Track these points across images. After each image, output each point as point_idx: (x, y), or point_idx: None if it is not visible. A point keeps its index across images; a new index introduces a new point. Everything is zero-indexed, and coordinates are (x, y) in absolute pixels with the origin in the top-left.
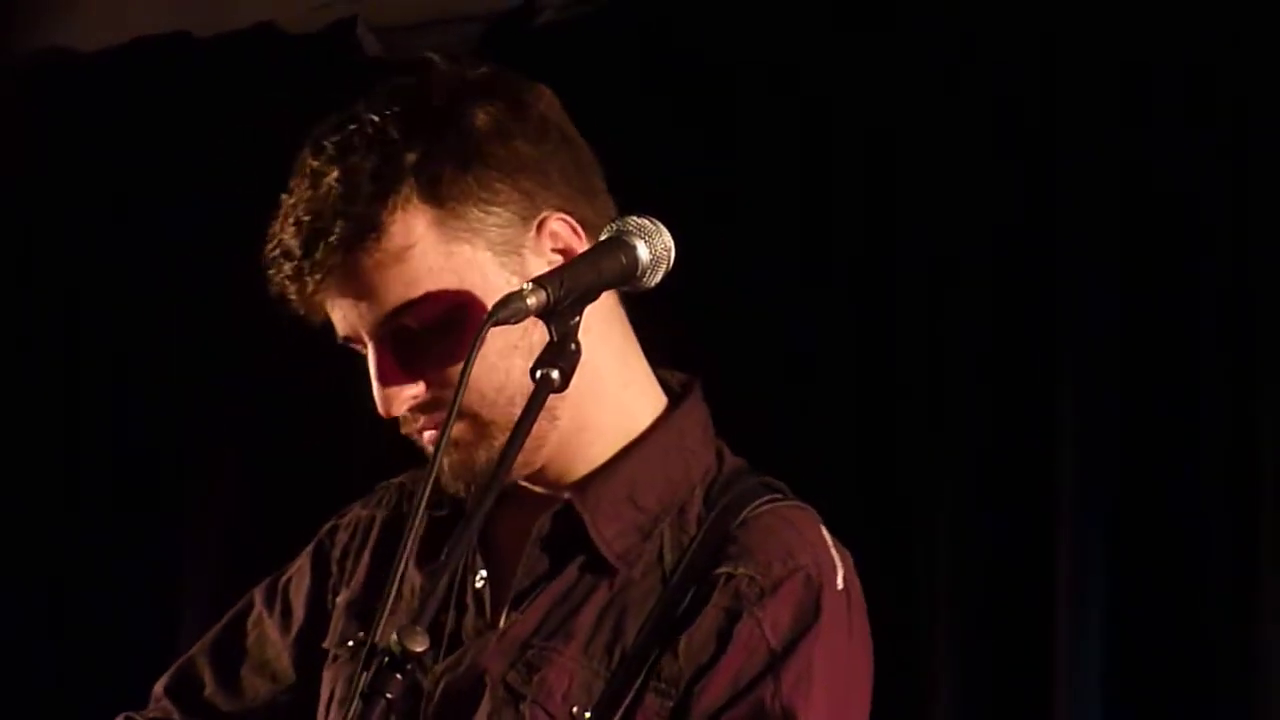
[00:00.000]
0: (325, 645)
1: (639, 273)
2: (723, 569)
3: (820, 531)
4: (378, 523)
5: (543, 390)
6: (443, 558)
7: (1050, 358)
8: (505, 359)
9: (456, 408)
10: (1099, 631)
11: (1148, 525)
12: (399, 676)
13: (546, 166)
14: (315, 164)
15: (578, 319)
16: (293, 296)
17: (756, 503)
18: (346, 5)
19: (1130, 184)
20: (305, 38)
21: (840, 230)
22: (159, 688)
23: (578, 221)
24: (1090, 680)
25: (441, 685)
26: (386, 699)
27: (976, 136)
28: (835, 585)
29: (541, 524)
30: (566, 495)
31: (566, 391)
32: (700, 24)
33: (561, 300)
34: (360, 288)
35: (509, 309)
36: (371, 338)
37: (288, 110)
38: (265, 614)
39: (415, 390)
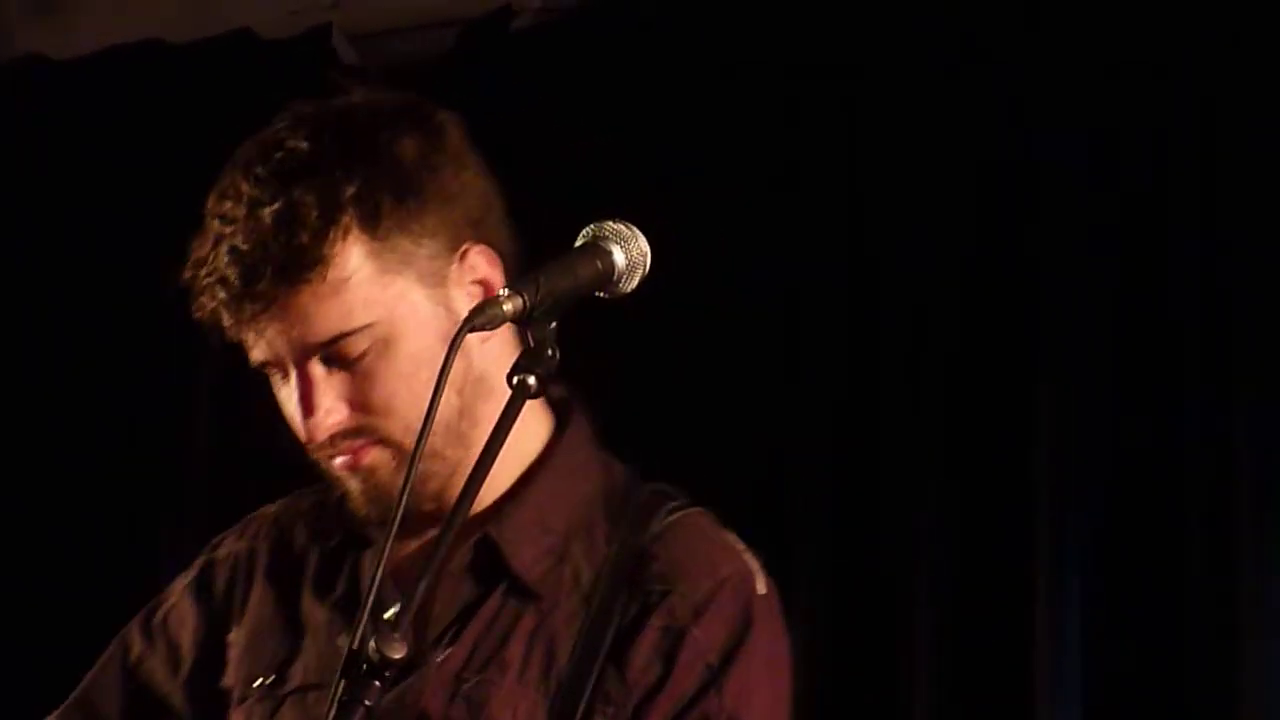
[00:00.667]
0: (225, 684)
1: (615, 278)
2: (652, 587)
3: (728, 536)
4: (261, 555)
5: (519, 396)
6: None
7: (1031, 360)
8: (429, 391)
9: (430, 427)
10: (1078, 634)
11: (1126, 529)
12: (377, 684)
13: (467, 197)
14: (252, 192)
15: (555, 324)
16: (225, 324)
17: (660, 514)
18: (322, 11)
19: (1112, 185)
20: (281, 43)
21: (825, 228)
22: None
23: (494, 251)
24: (1070, 683)
25: (370, 715)
26: (366, 706)
27: (965, 138)
28: (759, 590)
29: (461, 555)
30: (486, 527)
31: (476, 417)
32: (676, 27)
33: (538, 306)
34: (295, 317)
35: (485, 315)
36: (298, 365)
37: (264, 116)
38: (147, 653)
39: (340, 417)
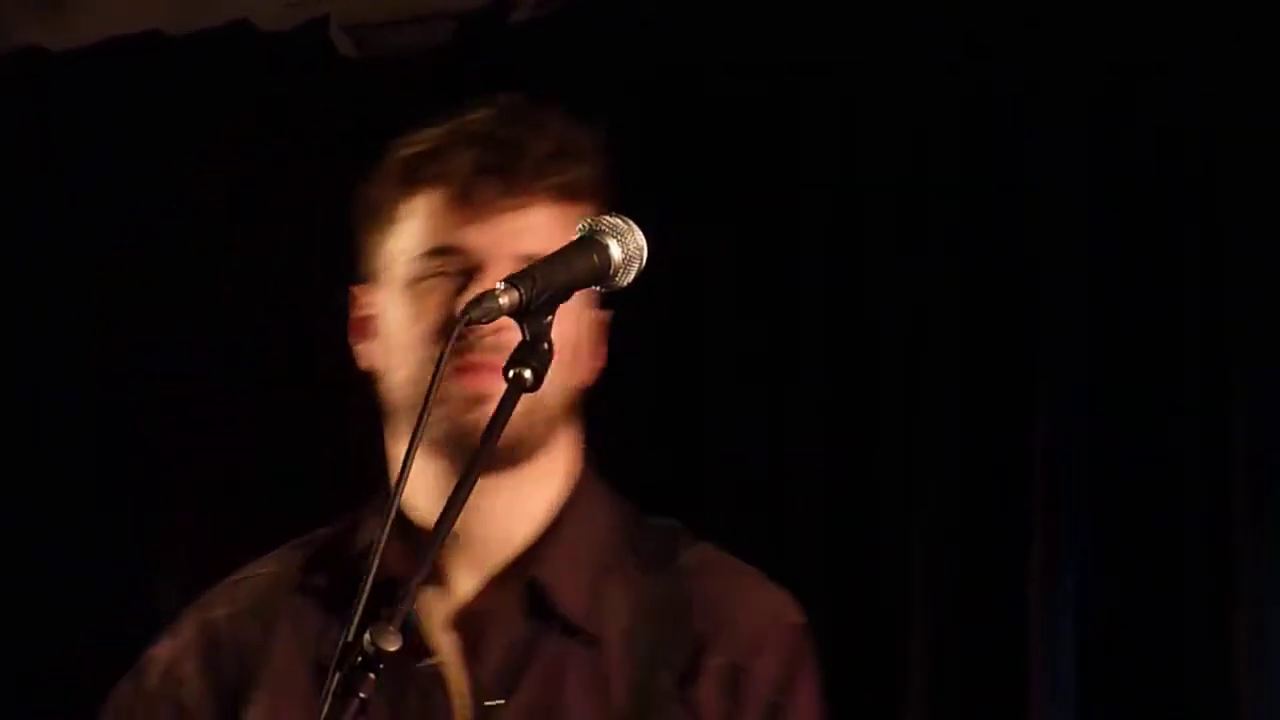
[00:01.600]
0: None
1: (611, 272)
2: (701, 625)
3: (750, 568)
4: (272, 614)
5: (515, 390)
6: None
7: (1029, 360)
8: (569, 360)
9: (428, 408)
10: (1073, 635)
11: (1123, 530)
12: (372, 676)
13: None
14: (533, 107)
15: (550, 318)
16: (456, 188)
17: (681, 549)
18: (319, 3)
19: (1104, 179)
20: (278, 36)
21: (815, 227)
22: None
23: None
24: (1065, 683)
25: None
26: (360, 699)
27: (964, 134)
28: (798, 619)
29: (510, 597)
30: (530, 569)
31: (545, 451)
32: (674, 22)
33: (535, 299)
34: (523, 217)
35: (481, 308)
36: (491, 266)
37: (262, 108)
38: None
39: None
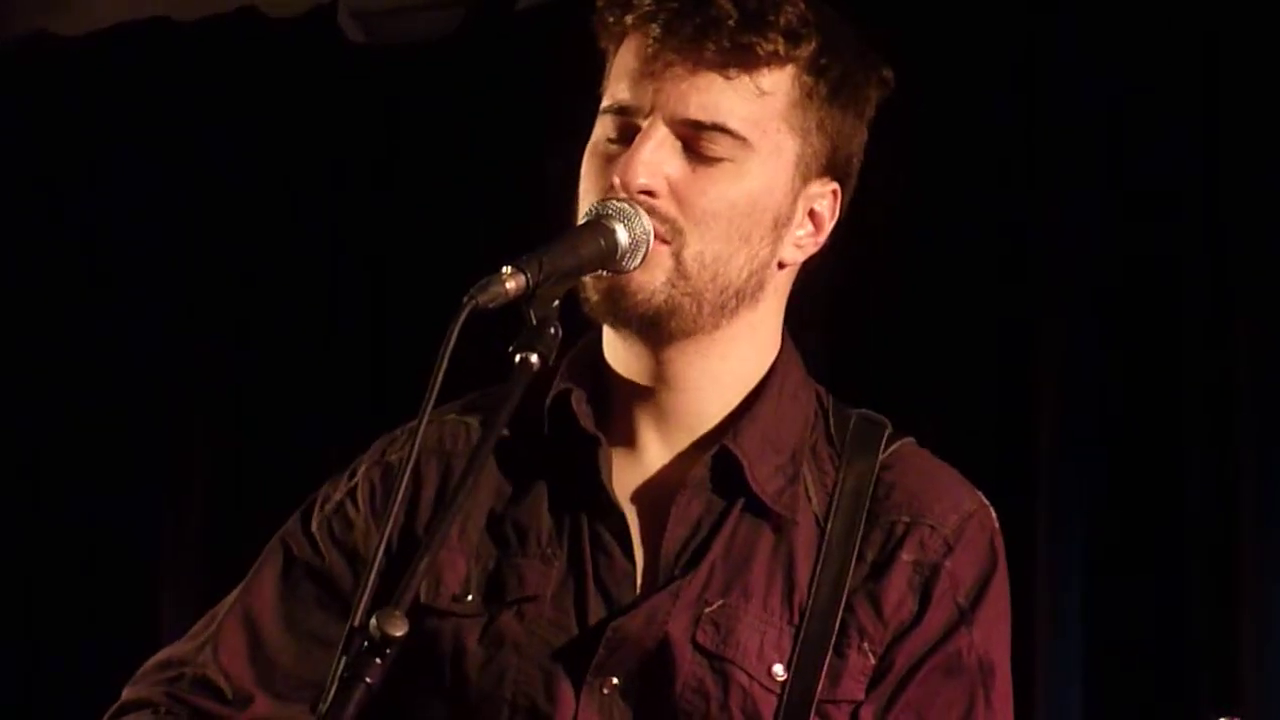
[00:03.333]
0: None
1: (619, 256)
2: (895, 517)
3: (952, 468)
4: (453, 459)
5: (522, 375)
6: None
7: (1029, 358)
8: (736, 247)
9: (433, 395)
10: (1078, 623)
11: (1127, 517)
12: (378, 661)
13: (859, 136)
14: None
15: (558, 302)
16: (645, 44)
17: (882, 441)
18: None
19: (1113, 177)
20: (286, 22)
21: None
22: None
23: (842, 199)
24: (1070, 671)
25: (616, 635)
26: (366, 683)
27: (964, 128)
28: (996, 524)
29: (698, 468)
30: (721, 440)
31: (730, 324)
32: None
33: (541, 284)
34: (702, 82)
35: (487, 293)
36: (668, 124)
37: (269, 94)
38: (317, 562)
39: (656, 187)
